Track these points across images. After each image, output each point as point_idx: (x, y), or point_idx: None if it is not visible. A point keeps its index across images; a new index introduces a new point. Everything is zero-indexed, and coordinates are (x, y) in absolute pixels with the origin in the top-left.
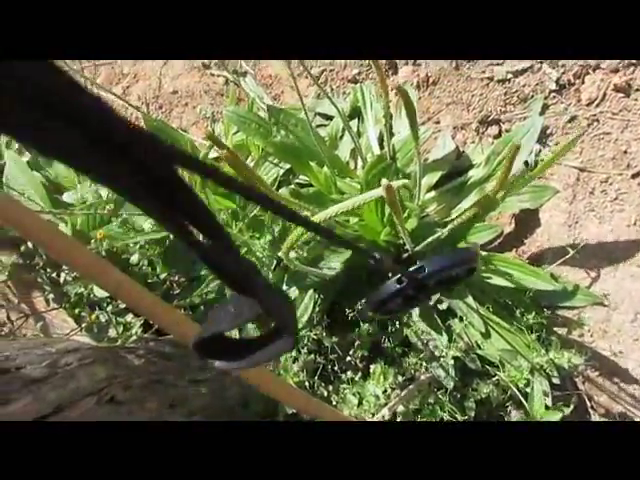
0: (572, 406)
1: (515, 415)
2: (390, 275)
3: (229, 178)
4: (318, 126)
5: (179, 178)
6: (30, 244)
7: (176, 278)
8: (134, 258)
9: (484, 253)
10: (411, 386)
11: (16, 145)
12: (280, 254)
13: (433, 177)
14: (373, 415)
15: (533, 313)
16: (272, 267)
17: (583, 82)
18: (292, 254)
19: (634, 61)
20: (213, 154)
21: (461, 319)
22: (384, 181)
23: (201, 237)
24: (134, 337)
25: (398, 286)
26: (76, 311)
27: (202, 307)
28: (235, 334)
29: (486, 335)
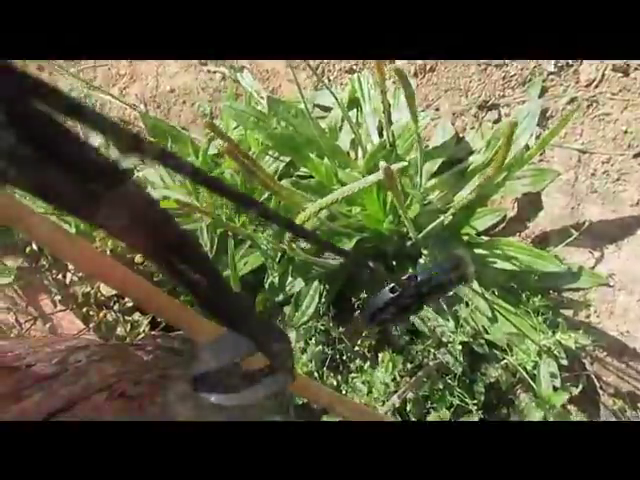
0: (581, 387)
1: (524, 398)
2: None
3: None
4: (317, 118)
5: (168, 214)
6: (35, 246)
7: None
8: (139, 257)
9: (487, 238)
10: (420, 373)
11: None
12: (284, 245)
13: (434, 164)
14: (383, 403)
15: (539, 296)
16: (277, 259)
17: (581, 63)
18: (296, 245)
19: None
20: (213, 150)
21: (467, 304)
22: (382, 163)
23: (194, 276)
24: (142, 335)
25: (392, 295)
26: (84, 311)
27: None
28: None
29: (493, 319)
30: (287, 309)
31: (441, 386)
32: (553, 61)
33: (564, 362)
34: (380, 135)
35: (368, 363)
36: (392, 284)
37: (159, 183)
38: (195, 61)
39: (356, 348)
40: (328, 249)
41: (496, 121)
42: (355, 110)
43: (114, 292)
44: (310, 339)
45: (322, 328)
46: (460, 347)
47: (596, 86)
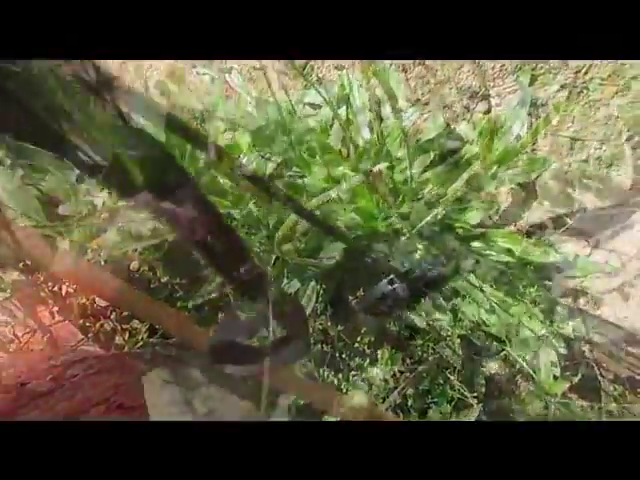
0: (580, 374)
1: (525, 388)
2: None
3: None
4: (308, 116)
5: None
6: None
7: (177, 280)
8: (134, 265)
9: (482, 230)
10: (419, 368)
11: (8, 162)
12: (275, 248)
13: (426, 157)
14: (384, 399)
15: (536, 286)
16: (271, 262)
17: None
18: (290, 246)
19: None
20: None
21: (464, 297)
22: (361, 166)
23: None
24: (141, 342)
25: (390, 287)
26: (81, 321)
27: (206, 308)
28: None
29: (490, 311)
30: None
31: (441, 380)
32: None
33: (563, 351)
34: (371, 131)
35: (367, 360)
36: (390, 277)
37: None
38: (184, 63)
39: (355, 345)
40: (330, 233)
41: (487, 111)
42: (345, 107)
43: None
44: None
45: (320, 327)
46: (459, 341)
47: (586, 72)
